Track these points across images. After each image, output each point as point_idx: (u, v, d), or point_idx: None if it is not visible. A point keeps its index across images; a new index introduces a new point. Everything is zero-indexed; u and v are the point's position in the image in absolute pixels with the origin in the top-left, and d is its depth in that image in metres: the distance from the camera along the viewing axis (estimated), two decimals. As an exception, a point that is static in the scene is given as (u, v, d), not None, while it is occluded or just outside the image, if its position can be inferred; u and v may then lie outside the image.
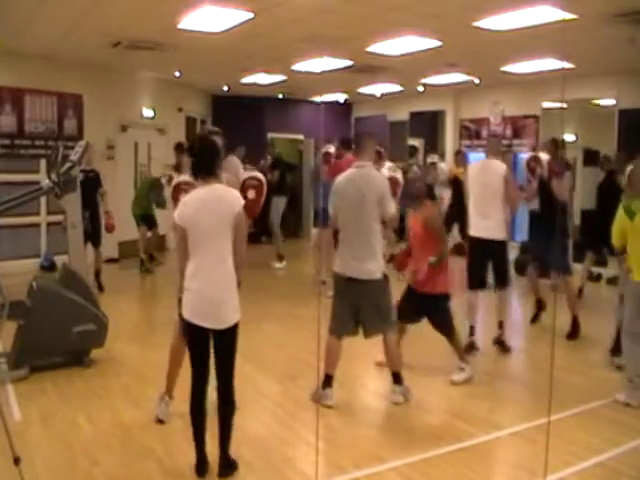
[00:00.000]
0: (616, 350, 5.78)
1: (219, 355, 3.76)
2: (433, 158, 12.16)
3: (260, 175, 4.53)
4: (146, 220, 10.17)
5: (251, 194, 4.41)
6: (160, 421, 4.49)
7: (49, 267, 9.92)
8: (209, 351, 3.74)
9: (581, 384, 5.56)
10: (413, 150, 10.90)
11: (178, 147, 8.90)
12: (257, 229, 14.04)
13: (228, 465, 3.81)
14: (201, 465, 3.76)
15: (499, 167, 6.31)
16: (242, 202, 3.71)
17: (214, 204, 3.66)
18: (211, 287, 3.67)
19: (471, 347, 6.24)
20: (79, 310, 5.60)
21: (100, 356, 5.83)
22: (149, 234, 10.33)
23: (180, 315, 3.82)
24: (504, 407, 5.03)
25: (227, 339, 3.75)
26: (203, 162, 3.76)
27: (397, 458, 4.10)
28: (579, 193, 10.62)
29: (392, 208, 4.89)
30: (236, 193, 3.78)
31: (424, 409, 5.01)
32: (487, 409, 4.95)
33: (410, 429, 4.63)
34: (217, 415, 3.76)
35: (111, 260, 10.94)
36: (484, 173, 6.37)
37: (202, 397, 3.76)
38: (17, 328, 5.46)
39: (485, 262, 6.33)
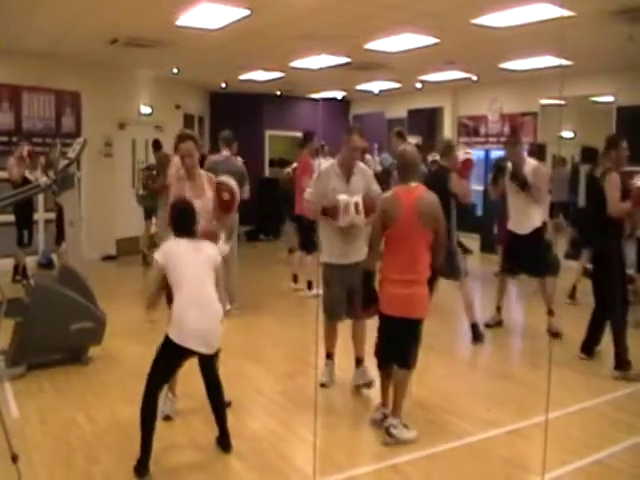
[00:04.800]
0: (621, 363, 5.64)
1: (207, 373, 4.14)
2: (434, 156, 12.16)
3: (233, 184, 4.65)
4: (155, 212, 10.05)
5: (225, 196, 4.62)
6: (167, 418, 4.51)
7: (47, 264, 9.92)
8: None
9: (579, 382, 5.56)
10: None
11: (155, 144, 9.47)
12: (256, 228, 14.07)
13: (228, 439, 4.12)
14: (143, 465, 3.77)
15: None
16: (219, 255, 4.17)
17: (199, 252, 4.05)
18: (207, 320, 3.94)
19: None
20: (77, 307, 5.60)
21: (98, 354, 5.82)
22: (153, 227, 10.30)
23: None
24: (502, 405, 5.03)
25: (213, 359, 4.14)
26: (185, 225, 4.08)
27: (395, 456, 4.10)
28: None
29: None
30: (213, 247, 4.20)
31: (422, 407, 5.01)
32: (485, 407, 4.96)
33: (408, 427, 4.63)
34: (210, 404, 4.11)
35: (109, 257, 10.95)
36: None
37: (156, 398, 3.92)
38: (15, 325, 5.45)
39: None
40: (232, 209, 4.78)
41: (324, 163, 5.36)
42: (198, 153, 4.82)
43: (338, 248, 5.10)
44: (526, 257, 6.81)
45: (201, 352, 3.90)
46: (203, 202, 4.60)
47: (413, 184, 4.38)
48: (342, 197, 4.92)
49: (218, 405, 4.12)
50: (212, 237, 4.46)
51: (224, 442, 4.10)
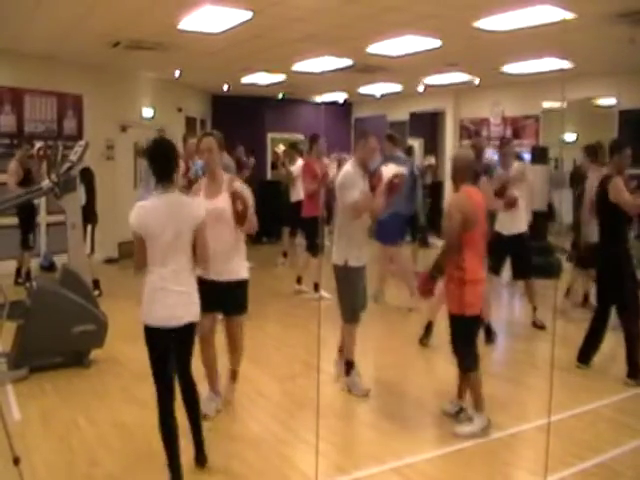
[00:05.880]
0: (635, 371, 5.51)
1: (180, 353, 3.73)
2: (430, 160, 12.32)
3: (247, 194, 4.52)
4: None
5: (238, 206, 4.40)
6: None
7: (49, 267, 9.92)
8: (172, 357, 3.69)
9: (581, 384, 5.55)
10: (410, 150, 10.87)
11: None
12: (259, 230, 14.07)
13: (203, 452, 3.87)
14: None
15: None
16: (203, 211, 3.66)
17: (177, 215, 3.59)
18: (179, 299, 3.60)
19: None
20: (79, 310, 5.60)
21: (100, 356, 5.82)
22: None
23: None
24: (504, 408, 5.01)
25: (188, 334, 3.73)
26: (160, 168, 3.64)
27: (397, 459, 4.10)
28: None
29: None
30: (197, 201, 3.72)
31: (424, 409, 5.01)
32: (487, 410, 4.94)
33: (410, 430, 4.62)
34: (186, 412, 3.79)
35: (111, 260, 10.95)
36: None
37: (173, 409, 3.61)
38: (17, 328, 5.45)
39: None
40: (243, 221, 4.46)
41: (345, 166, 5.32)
42: (221, 152, 4.59)
43: (359, 250, 5.15)
44: (512, 259, 7.05)
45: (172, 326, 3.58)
46: (212, 205, 4.30)
47: (471, 185, 4.54)
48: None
49: (191, 411, 3.82)
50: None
51: (198, 456, 3.86)
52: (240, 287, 4.58)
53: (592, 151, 7.66)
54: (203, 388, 4.73)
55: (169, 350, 3.64)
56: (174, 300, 3.58)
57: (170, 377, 3.65)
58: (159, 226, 3.57)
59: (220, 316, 4.77)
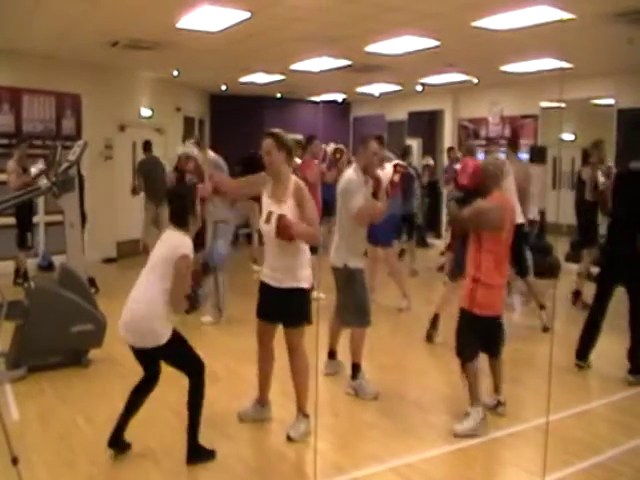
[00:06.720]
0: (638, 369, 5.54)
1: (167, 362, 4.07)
2: (428, 161, 12.33)
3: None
4: None
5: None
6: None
7: (47, 267, 9.91)
8: (145, 362, 4.08)
9: (580, 384, 5.56)
10: (406, 150, 10.77)
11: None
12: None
13: (190, 450, 3.93)
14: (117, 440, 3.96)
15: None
16: (184, 255, 3.85)
17: (164, 244, 3.99)
18: (136, 308, 3.94)
19: None
20: (77, 310, 5.59)
21: (98, 356, 5.81)
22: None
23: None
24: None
25: (161, 356, 4.02)
26: (174, 212, 4.06)
27: (396, 458, 4.10)
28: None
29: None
30: (185, 245, 3.90)
31: (423, 409, 5.01)
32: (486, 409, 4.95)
33: (409, 429, 4.62)
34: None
35: (109, 260, 10.95)
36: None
37: (145, 389, 4.08)
38: (15, 328, 5.45)
39: None
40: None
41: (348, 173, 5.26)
42: (282, 152, 4.51)
43: (358, 252, 5.18)
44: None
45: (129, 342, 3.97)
46: (279, 210, 4.17)
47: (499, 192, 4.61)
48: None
49: (188, 411, 3.92)
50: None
51: (187, 453, 3.92)
52: (293, 295, 4.32)
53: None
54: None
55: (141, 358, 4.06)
56: (128, 313, 3.98)
57: (149, 372, 4.09)
58: (153, 250, 4.09)
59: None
